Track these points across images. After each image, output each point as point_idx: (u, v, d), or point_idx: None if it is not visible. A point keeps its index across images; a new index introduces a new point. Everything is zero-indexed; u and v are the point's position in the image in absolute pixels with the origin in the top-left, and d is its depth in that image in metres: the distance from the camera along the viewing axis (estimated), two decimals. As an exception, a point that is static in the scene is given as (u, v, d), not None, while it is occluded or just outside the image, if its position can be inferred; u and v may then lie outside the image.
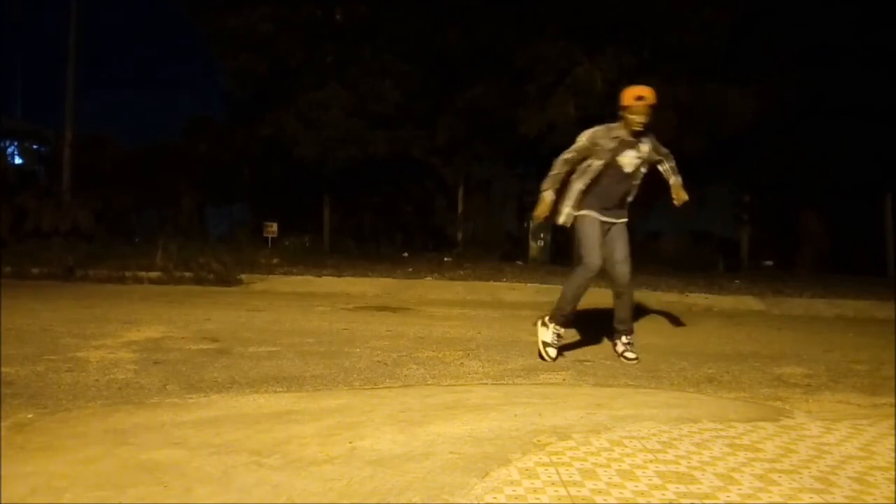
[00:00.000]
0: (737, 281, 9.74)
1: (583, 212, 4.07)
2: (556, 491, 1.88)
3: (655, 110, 4.01)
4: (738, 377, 3.72)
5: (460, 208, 14.70)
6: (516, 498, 1.83)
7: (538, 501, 1.81)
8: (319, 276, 9.18)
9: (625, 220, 4.19)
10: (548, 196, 4.10)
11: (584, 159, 4.07)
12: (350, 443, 2.33)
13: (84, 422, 2.62)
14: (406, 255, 13.18)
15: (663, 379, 3.64)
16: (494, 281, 8.77)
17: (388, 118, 12.98)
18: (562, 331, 4.13)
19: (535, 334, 4.21)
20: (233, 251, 10.82)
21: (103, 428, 2.52)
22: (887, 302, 7.54)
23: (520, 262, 12.28)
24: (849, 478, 2.03)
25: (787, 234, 14.33)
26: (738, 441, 2.39)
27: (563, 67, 11.88)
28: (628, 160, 4.03)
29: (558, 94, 11.88)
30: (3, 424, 2.51)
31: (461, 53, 12.92)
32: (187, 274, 9.22)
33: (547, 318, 4.12)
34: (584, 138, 4.09)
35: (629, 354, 4.11)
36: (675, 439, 2.39)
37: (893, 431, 2.55)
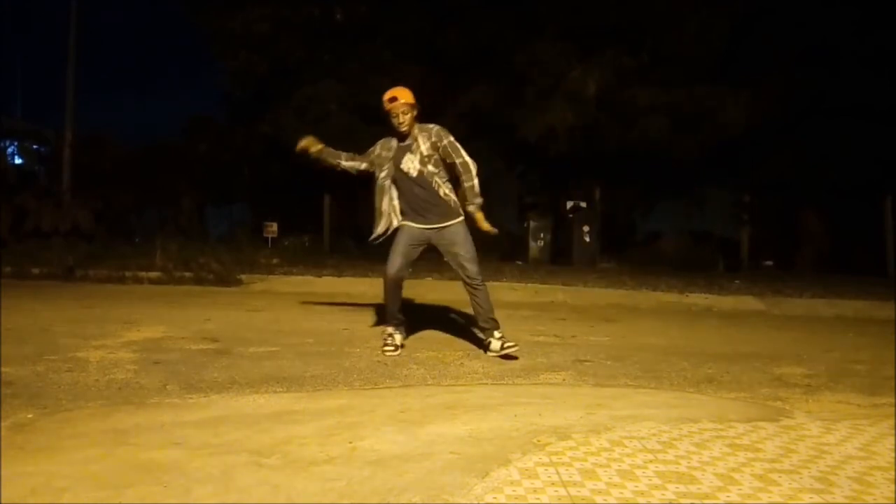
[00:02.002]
0: (737, 281, 9.74)
1: (403, 222, 4.16)
2: (556, 491, 1.87)
3: (415, 108, 4.08)
4: (738, 377, 3.72)
5: (460, 208, 14.70)
6: (516, 498, 1.83)
7: (538, 501, 1.81)
8: (319, 277, 9.18)
9: (455, 220, 4.11)
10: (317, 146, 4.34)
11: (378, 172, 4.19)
12: (350, 443, 2.33)
13: (84, 422, 2.61)
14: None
15: (663, 379, 3.64)
16: (494, 281, 8.75)
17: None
18: (390, 329, 4.22)
19: (536, 335, 4.22)
20: (233, 251, 10.81)
21: (103, 428, 2.51)
22: (887, 302, 7.54)
23: (520, 262, 12.27)
24: (849, 478, 2.03)
25: (787, 234, 14.33)
26: (738, 441, 2.39)
27: (560, 71, 11.89)
28: (408, 164, 4.06)
29: (556, 99, 11.89)
30: (3, 424, 2.51)
31: (461, 54, 12.93)
32: (187, 274, 9.21)
33: (389, 330, 4.24)
34: (371, 153, 4.25)
35: (509, 345, 4.00)
36: (675, 439, 2.39)
37: (893, 431, 2.55)
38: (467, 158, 4.07)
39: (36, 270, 9.49)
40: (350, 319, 5.84)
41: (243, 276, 9.03)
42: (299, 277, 9.22)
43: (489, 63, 12.84)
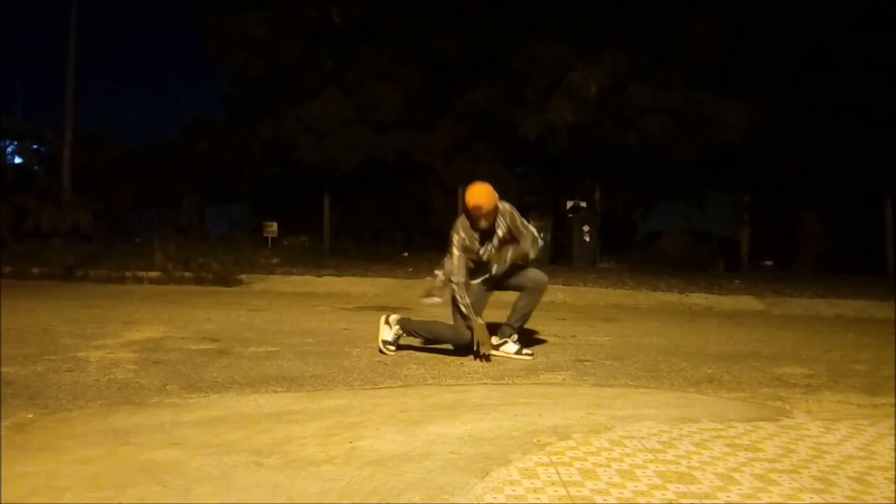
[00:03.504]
0: (737, 281, 9.74)
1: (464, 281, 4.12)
2: (556, 491, 1.87)
3: (496, 206, 4.03)
4: (738, 377, 3.72)
5: (460, 209, 14.71)
6: (516, 498, 1.83)
7: (538, 501, 1.81)
8: (319, 276, 9.19)
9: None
10: (481, 322, 4.07)
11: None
12: (350, 443, 2.33)
13: (84, 422, 2.61)
14: (406, 255, 13.18)
15: (663, 379, 3.64)
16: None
17: (391, 123, 12.97)
18: (402, 333, 4.21)
19: (536, 335, 4.23)
20: (232, 251, 10.83)
21: (103, 428, 2.51)
22: (887, 302, 7.54)
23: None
24: (849, 478, 2.03)
25: (787, 235, 14.32)
26: (738, 441, 2.39)
27: (560, 71, 11.90)
28: (484, 252, 4.10)
29: (556, 98, 11.90)
30: (3, 424, 2.51)
31: (460, 55, 12.93)
32: (187, 274, 9.23)
33: (392, 319, 4.19)
34: (458, 251, 4.04)
35: (526, 352, 4.14)
36: (675, 439, 2.39)
37: (893, 431, 2.55)
38: (533, 231, 4.18)
39: (36, 270, 9.51)
40: (350, 319, 5.84)
41: (243, 276, 9.04)
42: (299, 277, 9.23)
43: (489, 64, 12.85)
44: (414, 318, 4.33)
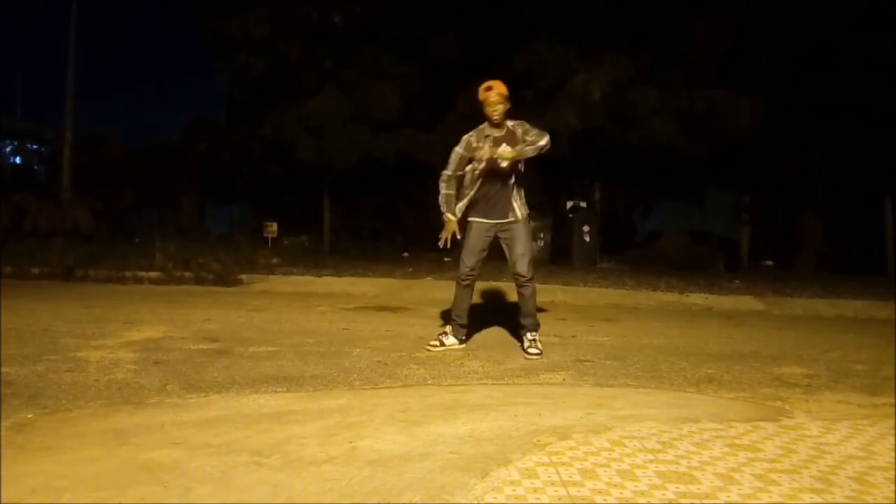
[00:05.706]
0: (737, 281, 9.74)
1: (470, 218, 4.25)
2: (556, 491, 1.87)
3: (508, 100, 4.19)
4: (738, 377, 3.72)
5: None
6: (516, 498, 1.83)
7: (538, 501, 1.81)
8: (319, 276, 9.18)
9: (520, 216, 4.23)
10: (452, 218, 4.27)
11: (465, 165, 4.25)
12: (350, 443, 2.33)
13: (84, 422, 2.61)
14: (406, 255, 13.18)
15: (663, 379, 3.64)
16: (494, 281, 8.78)
17: (391, 123, 12.97)
18: (452, 338, 4.36)
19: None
20: (232, 251, 10.82)
21: (103, 428, 2.51)
22: (887, 302, 7.54)
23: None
24: (849, 478, 2.03)
25: (787, 234, 14.33)
26: (738, 441, 2.39)
27: (562, 73, 11.89)
28: (490, 151, 4.14)
29: (557, 102, 11.89)
30: (3, 424, 2.51)
31: (460, 55, 12.93)
32: (187, 274, 9.22)
33: (448, 330, 4.39)
34: (459, 148, 4.25)
35: (532, 350, 4.20)
36: (675, 439, 2.39)
37: (893, 431, 2.55)
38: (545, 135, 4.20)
39: (36, 270, 9.50)
40: (350, 319, 5.84)
41: (243, 276, 9.03)
42: (299, 277, 9.23)
43: (489, 64, 12.84)
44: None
